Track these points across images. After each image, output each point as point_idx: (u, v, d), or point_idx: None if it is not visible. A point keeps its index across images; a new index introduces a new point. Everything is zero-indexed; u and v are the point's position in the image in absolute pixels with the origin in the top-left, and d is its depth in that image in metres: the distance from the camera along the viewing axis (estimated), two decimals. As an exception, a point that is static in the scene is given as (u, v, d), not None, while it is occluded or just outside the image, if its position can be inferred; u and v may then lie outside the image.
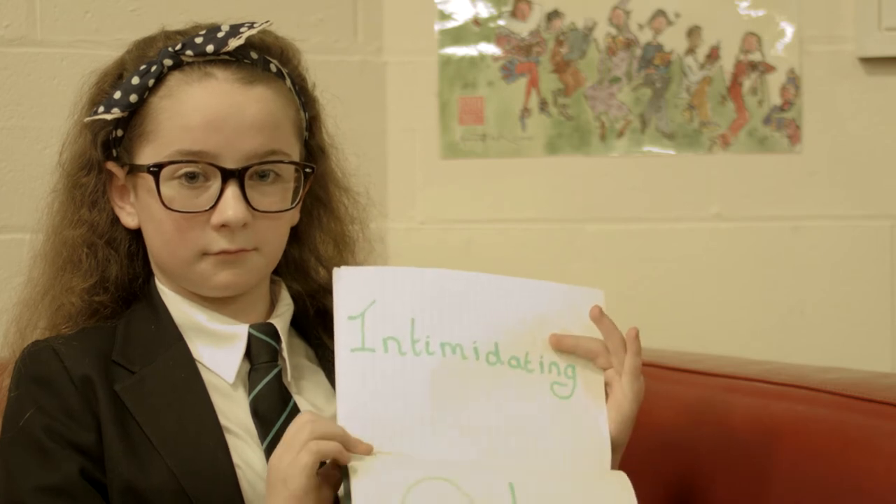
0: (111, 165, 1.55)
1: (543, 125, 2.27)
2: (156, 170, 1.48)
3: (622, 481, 1.46)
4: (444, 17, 2.29)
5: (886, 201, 2.19)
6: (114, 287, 1.56)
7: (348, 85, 2.25)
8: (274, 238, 1.54)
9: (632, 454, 1.53)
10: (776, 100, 2.22)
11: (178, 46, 1.50)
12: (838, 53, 2.19)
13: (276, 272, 1.60)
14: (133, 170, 1.52)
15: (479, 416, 1.46)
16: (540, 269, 2.12)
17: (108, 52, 1.60)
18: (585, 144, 2.26)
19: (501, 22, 2.27)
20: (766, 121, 2.22)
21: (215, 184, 1.49)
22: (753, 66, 2.22)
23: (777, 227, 2.23)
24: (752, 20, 2.22)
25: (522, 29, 2.27)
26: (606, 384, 1.52)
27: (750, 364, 1.91)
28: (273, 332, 1.54)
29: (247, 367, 1.53)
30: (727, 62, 2.22)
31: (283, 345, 1.55)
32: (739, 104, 2.22)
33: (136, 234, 1.56)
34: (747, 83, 2.22)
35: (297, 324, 1.60)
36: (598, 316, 1.52)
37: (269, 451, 1.46)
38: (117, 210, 1.56)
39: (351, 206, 1.66)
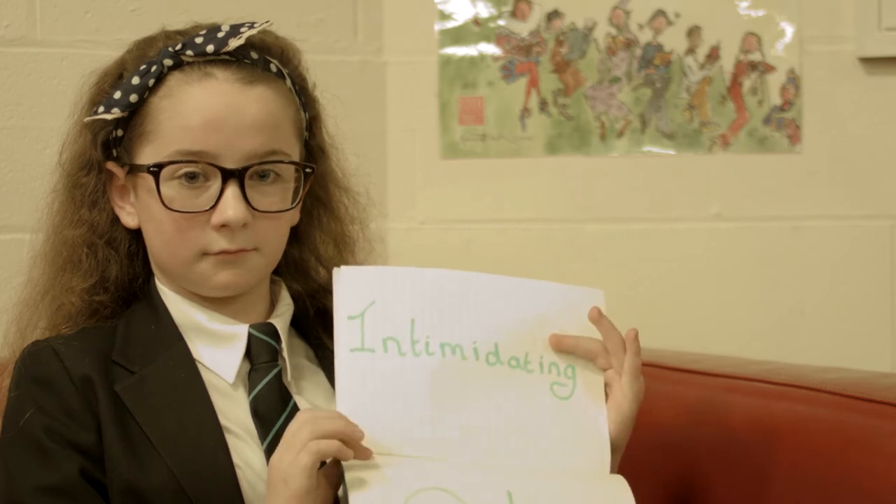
0: (111, 165, 1.55)
1: (543, 125, 2.27)
2: (156, 170, 1.48)
3: (621, 486, 1.46)
4: (444, 17, 2.29)
5: (886, 201, 2.19)
6: (114, 287, 1.56)
7: (348, 85, 2.25)
8: (274, 238, 1.54)
9: (632, 454, 1.53)
10: (776, 100, 2.22)
11: (179, 46, 1.50)
12: (838, 53, 2.19)
13: (276, 272, 1.60)
14: (133, 170, 1.52)
15: (479, 416, 1.46)
16: (540, 269, 2.12)
17: (108, 52, 1.60)
18: (585, 144, 2.26)
19: (501, 22, 2.27)
20: (766, 121, 2.22)
21: (215, 184, 1.49)
22: (753, 66, 2.22)
23: (777, 227, 2.23)
24: (752, 20, 2.22)
25: (522, 29, 2.27)
26: (606, 384, 1.52)
27: (750, 364, 1.91)
28: (273, 332, 1.54)
29: (247, 367, 1.53)
30: (727, 62, 2.22)
31: (283, 345, 1.55)
32: (739, 104, 2.22)
33: (136, 234, 1.56)
34: (747, 83, 2.22)
35: (297, 324, 1.60)
36: (597, 317, 1.52)
37: (269, 452, 1.46)
38: (117, 210, 1.56)
39: (351, 206, 1.66)
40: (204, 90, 1.49)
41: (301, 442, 1.36)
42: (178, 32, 1.54)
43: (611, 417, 1.50)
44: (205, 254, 1.50)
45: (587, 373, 1.52)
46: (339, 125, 1.65)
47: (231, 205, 1.47)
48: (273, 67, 1.53)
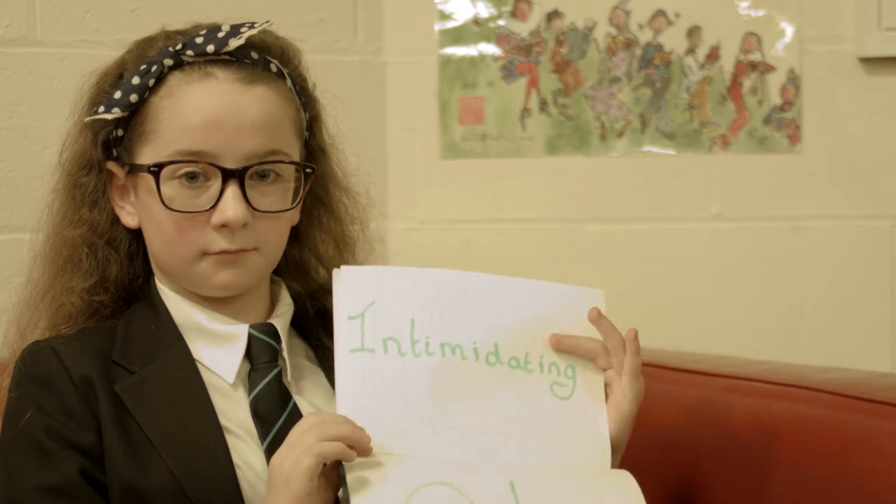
0: (111, 165, 1.55)
1: (543, 125, 2.27)
2: (156, 169, 1.48)
3: (627, 480, 1.46)
4: (444, 17, 2.29)
5: (886, 201, 2.19)
6: (114, 287, 1.56)
7: (348, 85, 2.25)
8: (274, 238, 1.54)
9: (632, 454, 1.53)
10: (776, 100, 2.22)
11: (179, 46, 1.50)
12: (838, 53, 2.19)
13: (276, 272, 1.60)
14: (133, 169, 1.52)
15: (479, 416, 1.46)
16: (540, 269, 2.12)
17: (108, 52, 1.60)
18: (585, 144, 2.26)
19: (501, 22, 2.27)
20: (766, 121, 2.22)
21: (215, 184, 1.49)
22: (753, 66, 2.22)
23: (777, 227, 2.23)
24: (752, 20, 2.22)
25: (522, 29, 2.27)
26: (606, 384, 1.52)
27: (750, 364, 1.91)
28: (273, 333, 1.54)
29: (247, 367, 1.53)
30: (727, 62, 2.22)
31: (284, 345, 1.55)
32: (739, 104, 2.22)
33: (137, 234, 1.56)
34: (747, 83, 2.22)
35: (297, 324, 1.60)
36: (597, 318, 1.52)
37: (269, 452, 1.46)
38: (117, 210, 1.56)
39: (351, 206, 1.66)
40: (204, 90, 1.49)
41: (305, 445, 1.36)
42: (179, 32, 1.54)
43: (611, 417, 1.50)
44: (205, 254, 1.50)
45: (587, 373, 1.52)
46: (339, 125, 1.65)
47: (231, 205, 1.47)
48: (273, 67, 1.53)
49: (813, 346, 2.20)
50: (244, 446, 1.48)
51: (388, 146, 2.32)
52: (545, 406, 1.49)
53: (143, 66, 1.50)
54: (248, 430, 1.49)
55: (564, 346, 1.51)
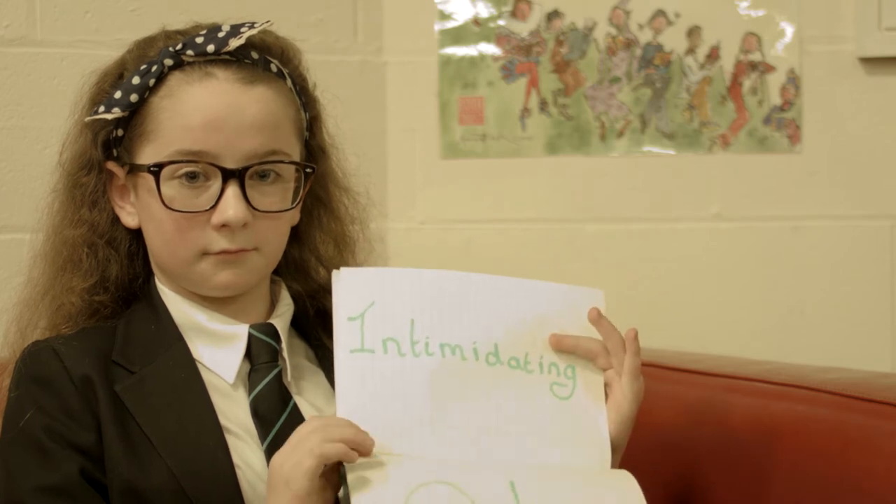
0: (111, 165, 1.55)
1: (543, 125, 2.27)
2: (156, 169, 1.48)
3: (628, 480, 1.46)
4: (444, 17, 2.29)
5: (886, 201, 2.19)
6: (114, 287, 1.56)
7: (348, 85, 2.25)
8: (274, 238, 1.54)
9: (632, 454, 1.53)
10: (776, 100, 2.22)
11: (179, 46, 1.50)
12: (838, 53, 2.19)
13: (276, 272, 1.60)
14: (133, 169, 1.52)
15: (479, 416, 1.46)
16: (540, 269, 2.12)
17: (108, 52, 1.60)
18: (585, 144, 2.26)
19: (501, 22, 2.27)
20: (766, 121, 2.22)
21: (216, 184, 1.49)
22: (753, 66, 2.22)
23: (777, 227, 2.23)
24: (752, 20, 2.22)
25: (522, 29, 2.27)
26: (606, 385, 1.52)
27: (750, 364, 1.91)
28: (273, 333, 1.54)
29: (247, 367, 1.53)
30: (727, 62, 2.22)
31: (284, 345, 1.55)
32: (739, 104, 2.22)
33: (137, 234, 1.56)
34: (747, 83, 2.22)
35: (297, 324, 1.60)
36: (597, 318, 1.52)
37: (269, 452, 1.46)
38: (117, 210, 1.56)
39: (351, 206, 1.66)
40: (204, 90, 1.49)
41: (308, 447, 1.36)
42: (179, 32, 1.54)
43: (611, 417, 1.50)
44: (205, 254, 1.50)
45: (587, 373, 1.52)
46: (339, 125, 1.65)
47: (231, 204, 1.47)
48: (273, 67, 1.53)
49: (813, 346, 2.20)
50: (244, 446, 1.48)
51: (388, 146, 2.32)
52: (545, 406, 1.49)
53: (143, 66, 1.50)
54: (248, 430, 1.49)
55: (564, 346, 1.51)
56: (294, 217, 1.57)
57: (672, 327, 2.22)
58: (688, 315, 2.24)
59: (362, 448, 1.38)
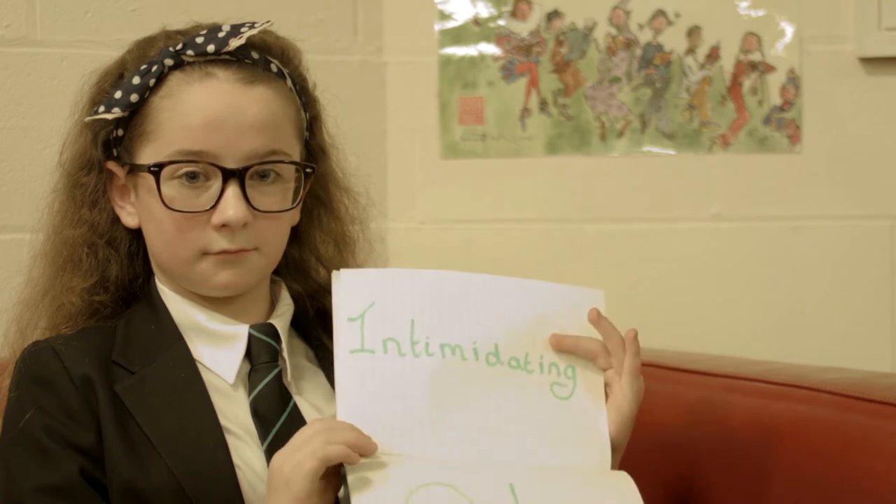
0: (112, 165, 1.55)
1: (543, 125, 2.27)
2: (156, 169, 1.48)
3: (626, 481, 1.46)
4: (444, 17, 2.29)
5: (886, 201, 2.19)
6: (114, 287, 1.56)
7: (348, 85, 2.25)
8: (274, 238, 1.54)
9: (632, 454, 1.53)
10: (776, 100, 2.22)
11: (179, 46, 1.50)
12: (838, 53, 2.19)
13: (276, 272, 1.60)
14: (133, 169, 1.52)
15: (479, 416, 1.46)
16: (540, 269, 2.12)
17: (108, 52, 1.60)
18: (585, 144, 2.26)
19: (501, 22, 2.27)
20: (766, 121, 2.22)
21: (216, 184, 1.49)
22: (753, 66, 2.22)
23: (777, 227, 2.23)
24: (752, 20, 2.22)
25: (522, 29, 2.27)
26: (606, 385, 1.52)
27: (750, 364, 1.91)
28: (273, 333, 1.54)
29: (247, 367, 1.53)
30: (727, 62, 2.22)
31: (284, 345, 1.55)
32: (739, 104, 2.22)
33: (137, 234, 1.56)
34: (747, 83, 2.22)
35: (297, 324, 1.60)
36: (597, 318, 1.52)
37: (269, 452, 1.46)
38: (118, 210, 1.56)
39: (351, 206, 1.66)
40: (205, 90, 1.49)
41: (311, 449, 1.36)
42: (179, 32, 1.54)
43: (611, 418, 1.50)
44: (205, 253, 1.50)
45: (587, 373, 1.52)
46: (339, 125, 1.65)
47: (231, 204, 1.47)
48: (274, 67, 1.53)
49: (813, 346, 2.20)
50: (244, 446, 1.48)
51: (388, 146, 2.32)
52: (545, 406, 1.49)
53: (143, 66, 1.50)
54: (248, 430, 1.49)
55: (564, 347, 1.51)
56: (294, 217, 1.57)
57: (672, 327, 2.22)
58: (688, 315, 2.24)
59: (364, 452, 1.38)
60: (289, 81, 1.55)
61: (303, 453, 1.36)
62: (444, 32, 2.29)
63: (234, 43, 1.49)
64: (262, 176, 1.50)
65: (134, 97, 1.49)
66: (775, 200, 2.23)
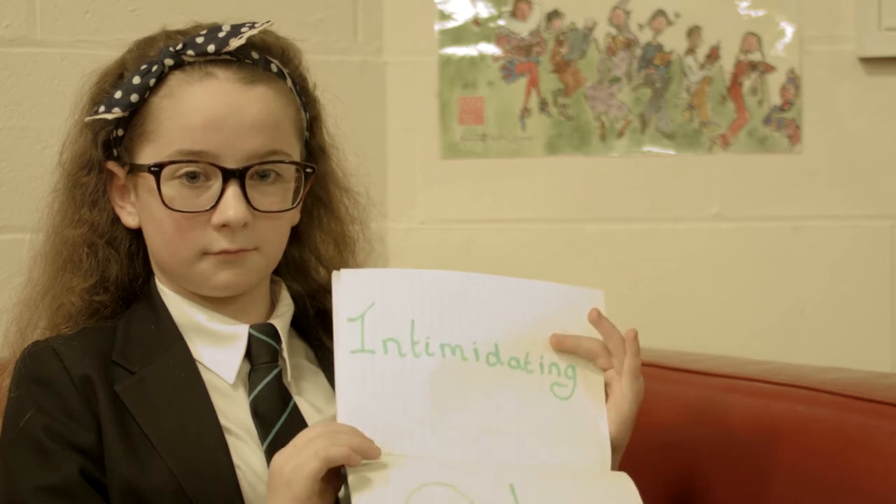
0: (112, 165, 1.55)
1: (543, 125, 2.27)
2: (156, 169, 1.48)
3: (625, 481, 1.46)
4: (444, 17, 2.29)
5: (886, 201, 2.19)
6: (114, 287, 1.56)
7: (348, 85, 2.25)
8: (274, 238, 1.54)
9: (632, 454, 1.53)
10: (776, 100, 2.22)
11: (179, 46, 1.50)
12: (838, 53, 2.19)
13: (276, 272, 1.60)
14: (134, 169, 1.52)
15: (479, 416, 1.46)
16: (540, 269, 2.12)
17: (108, 52, 1.60)
18: (585, 144, 2.26)
19: (501, 22, 2.28)
20: (766, 121, 2.22)
21: (216, 184, 1.49)
22: (753, 66, 2.22)
23: (777, 227, 2.23)
24: (752, 20, 2.22)
25: (522, 29, 2.27)
26: (606, 385, 1.52)
27: (750, 364, 1.91)
28: (273, 333, 1.54)
29: (247, 367, 1.53)
30: (727, 62, 2.22)
31: (284, 345, 1.55)
32: (739, 104, 2.22)
33: (137, 234, 1.56)
34: (747, 83, 2.22)
35: (297, 324, 1.60)
36: (597, 318, 1.52)
37: (269, 452, 1.46)
38: (118, 210, 1.56)
39: (351, 206, 1.66)
40: (205, 90, 1.49)
41: (313, 450, 1.36)
42: (179, 32, 1.54)
43: (611, 418, 1.50)
44: (205, 253, 1.50)
45: (587, 373, 1.52)
46: (339, 125, 1.65)
47: (232, 205, 1.47)
48: (274, 67, 1.53)
49: (813, 346, 2.20)
50: (244, 446, 1.48)
51: (388, 146, 2.32)
52: (545, 406, 1.49)
53: (143, 66, 1.50)
54: (248, 430, 1.49)
55: (565, 347, 1.51)
56: (294, 217, 1.57)
57: (672, 327, 2.22)
58: (688, 315, 2.24)
59: (368, 456, 1.38)
60: (289, 81, 1.55)
61: (305, 454, 1.36)
62: (444, 32, 2.29)
63: (235, 43, 1.49)
64: (263, 176, 1.50)
65: (134, 97, 1.49)
66: (775, 200, 2.23)
